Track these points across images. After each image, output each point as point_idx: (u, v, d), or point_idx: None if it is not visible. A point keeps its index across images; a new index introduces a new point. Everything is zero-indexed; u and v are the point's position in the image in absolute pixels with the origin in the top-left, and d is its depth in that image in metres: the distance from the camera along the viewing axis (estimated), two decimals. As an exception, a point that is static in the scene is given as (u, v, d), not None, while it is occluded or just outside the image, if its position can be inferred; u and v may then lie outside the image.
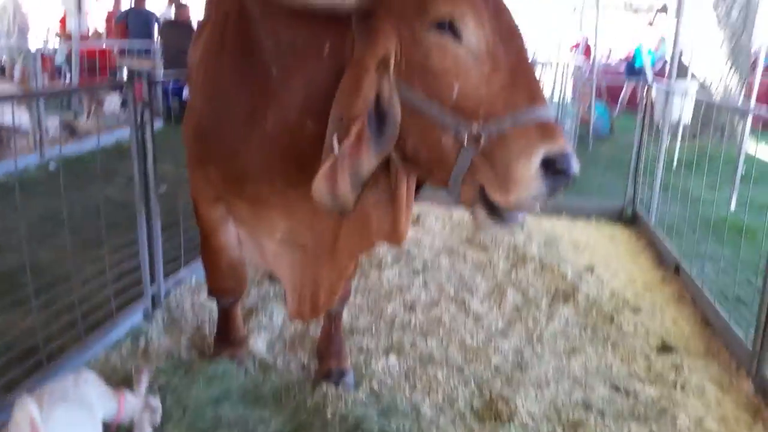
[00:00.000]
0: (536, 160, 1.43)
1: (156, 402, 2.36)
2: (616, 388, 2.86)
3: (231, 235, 2.55)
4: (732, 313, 3.34)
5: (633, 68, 11.93)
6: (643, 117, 5.24)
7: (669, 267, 4.28)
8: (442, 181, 1.60)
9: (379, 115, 1.50)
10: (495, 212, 1.53)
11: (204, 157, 2.23)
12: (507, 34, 1.54)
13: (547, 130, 1.46)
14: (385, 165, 1.73)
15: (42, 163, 6.49)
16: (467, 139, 1.48)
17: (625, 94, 12.04)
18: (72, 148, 6.92)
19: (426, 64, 1.52)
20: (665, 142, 5.08)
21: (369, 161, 1.52)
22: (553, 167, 1.43)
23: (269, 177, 2.02)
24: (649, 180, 5.20)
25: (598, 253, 4.59)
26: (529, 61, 1.62)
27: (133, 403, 2.29)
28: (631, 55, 12.15)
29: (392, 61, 1.52)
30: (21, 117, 6.66)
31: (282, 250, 2.31)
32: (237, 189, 2.18)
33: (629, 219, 5.36)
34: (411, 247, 4.37)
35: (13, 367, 2.60)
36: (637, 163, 5.32)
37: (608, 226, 5.27)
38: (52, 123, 7.18)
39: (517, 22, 1.61)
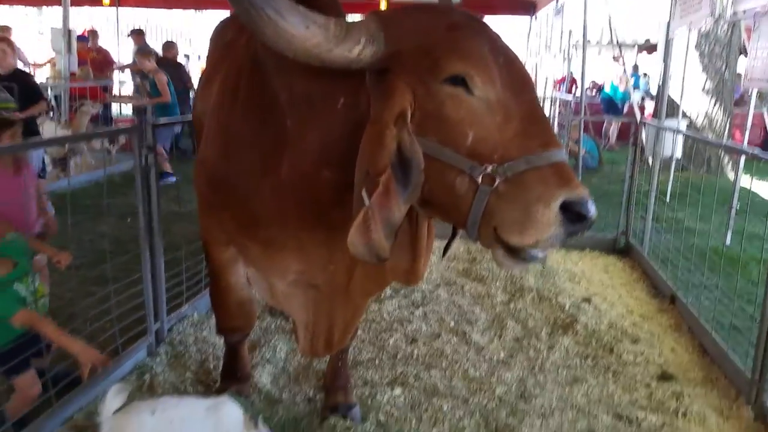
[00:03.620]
0: (555, 206, 1.45)
1: None
2: (619, 417, 2.90)
3: (240, 275, 2.58)
4: (729, 342, 3.40)
5: (611, 103, 12.28)
6: (634, 152, 5.38)
7: (665, 297, 4.35)
8: (460, 223, 1.63)
9: (403, 164, 1.53)
10: (513, 252, 1.55)
11: (217, 203, 2.27)
12: (518, 83, 1.59)
13: (564, 175, 1.49)
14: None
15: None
16: (482, 179, 1.52)
17: (611, 129, 12.32)
18: (60, 184, 6.93)
19: (440, 115, 1.57)
20: (656, 176, 5.21)
21: (399, 209, 1.55)
22: (571, 212, 1.46)
23: (283, 221, 2.06)
24: (641, 212, 5.31)
25: (594, 284, 4.66)
26: (541, 108, 1.66)
27: None
28: (606, 88, 12.61)
29: (408, 115, 1.57)
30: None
31: (294, 291, 2.33)
32: (250, 233, 2.21)
33: (622, 250, 5.46)
34: (409, 281, 4.41)
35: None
36: (629, 196, 5.44)
37: (602, 257, 5.35)
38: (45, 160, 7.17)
39: (526, 70, 1.67)
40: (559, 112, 9.81)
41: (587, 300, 4.23)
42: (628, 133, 5.85)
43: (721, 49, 9.28)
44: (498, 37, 1.66)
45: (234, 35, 2.52)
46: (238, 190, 2.12)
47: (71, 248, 3.95)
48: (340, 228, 1.92)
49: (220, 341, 3.32)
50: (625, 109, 12.44)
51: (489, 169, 1.51)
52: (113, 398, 2.04)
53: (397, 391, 3.02)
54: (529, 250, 1.54)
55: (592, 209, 1.47)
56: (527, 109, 1.58)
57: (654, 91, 12.95)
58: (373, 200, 1.54)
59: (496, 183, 1.50)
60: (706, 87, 9.38)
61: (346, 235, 1.64)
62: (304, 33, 1.49)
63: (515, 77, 1.60)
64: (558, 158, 1.51)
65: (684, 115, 8.89)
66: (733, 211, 5.16)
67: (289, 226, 2.06)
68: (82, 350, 2.61)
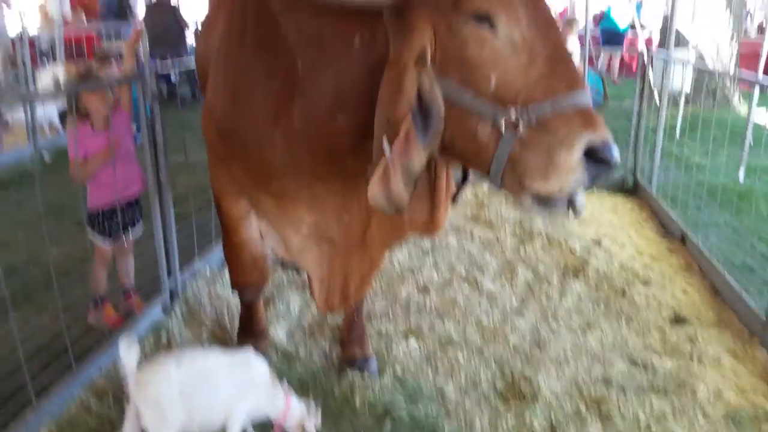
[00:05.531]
0: (579, 150, 1.42)
1: (315, 420, 2.30)
2: (634, 363, 2.92)
3: (254, 229, 2.53)
4: (742, 282, 3.40)
5: (609, 33, 11.85)
6: (642, 86, 5.25)
7: (674, 237, 4.33)
8: (482, 170, 1.59)
9: (422, 110, 1.49)
10: (540, 199, 1.51)
11: (227, 152, 2.20)
12: (543, 23, 1.53)
13: (588, 119, 1.44)
14: None
15: (35, 154, 6.37)
16: (505, 126, 1.47)
17: (606, 61, 11.97)
18: (61, 138, 6.80)
19: (462, 55, 1.51)
20: (665, 110, 5.10)
21: (419, 157, 1.51)
22: (594, 156, 1.42)
23: (296, 171, 2.00)
24: (649, 149, 5.23)
25: (603, 226, 4.64)
26: (566, 47, 1.61)
27: (297, 410, 2.26)
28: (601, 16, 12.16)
29: (429, 55, 1.51)
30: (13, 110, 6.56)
31: (308, 244, 2.30)
32: (262, 184, 2.16)
33: (630, 189, 5.41)
34: (418, 227, 4.38)
35: (41, 370, 2.61)
36: (636, 133, 5.34)
37: (610, 197, 5.31)
38: (49, 113, 6.99)
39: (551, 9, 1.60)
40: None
41: (597, 242, 4.22)
42: (631, 66, 5.70)
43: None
44: None
45: None
46: (248, 138, 2.06)
47: (77, 205, 3.88)
48: (355, 177, 1.88)
49: (234, 297, 3.32)
50: (626, 41, 12.07)
51: (513, 115, 1.46)
52: (127, 351, 2.04)
53: (413, 342, 3.04)
54: (556, 197, 1.50)
55: (615, 153, 1.44)
56: (552, 49, 1.52)
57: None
58: (394, 148, 1.50)
59: (520, 129, 1.46)
60: (716, 17, 9.08)
61: (360, 184, 1.59)
62: None
63: (540, 15, 1.54)
64: (583, 100, 1.47)
65: (694, 45, 8.65)
66: (747, 144, 5.05)
67: (302, 175, 2.02)
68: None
